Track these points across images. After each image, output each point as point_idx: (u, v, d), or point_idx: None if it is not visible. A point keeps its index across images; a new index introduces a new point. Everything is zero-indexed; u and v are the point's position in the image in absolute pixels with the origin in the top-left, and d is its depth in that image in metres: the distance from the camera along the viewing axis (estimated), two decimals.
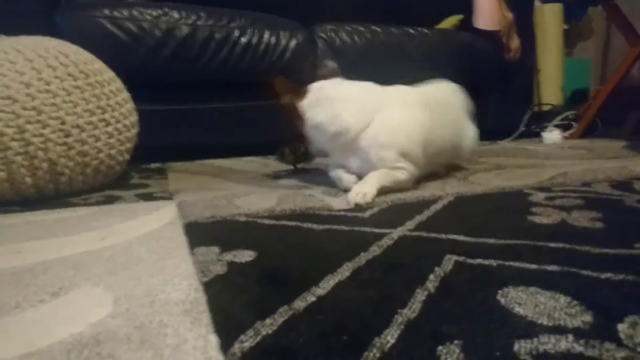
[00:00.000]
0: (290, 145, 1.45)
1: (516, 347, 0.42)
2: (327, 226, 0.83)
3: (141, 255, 0.71)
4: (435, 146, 1.19)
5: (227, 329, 0.46)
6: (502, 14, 2.20)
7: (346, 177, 1.15)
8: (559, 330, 0.45)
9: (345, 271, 0.61)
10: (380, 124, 1.11)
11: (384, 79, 1.97)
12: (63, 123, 1.08)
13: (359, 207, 0.97)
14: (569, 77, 2.87)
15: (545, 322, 0.46)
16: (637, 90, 2.59)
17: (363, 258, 0.65)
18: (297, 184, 1.25)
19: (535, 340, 0.43)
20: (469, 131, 1.36)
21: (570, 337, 0.43)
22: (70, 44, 1.23)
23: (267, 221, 0.88)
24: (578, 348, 0.42)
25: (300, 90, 1.19)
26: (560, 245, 0.69)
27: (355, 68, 1.91)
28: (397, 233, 0.77)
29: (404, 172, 1.12)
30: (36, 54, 1.11)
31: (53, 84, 1.09)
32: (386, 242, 0.73)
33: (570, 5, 2.95)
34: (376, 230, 0.79)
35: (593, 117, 2.27)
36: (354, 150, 1.13)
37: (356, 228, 0.81)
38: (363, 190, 1.02)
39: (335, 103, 1.13)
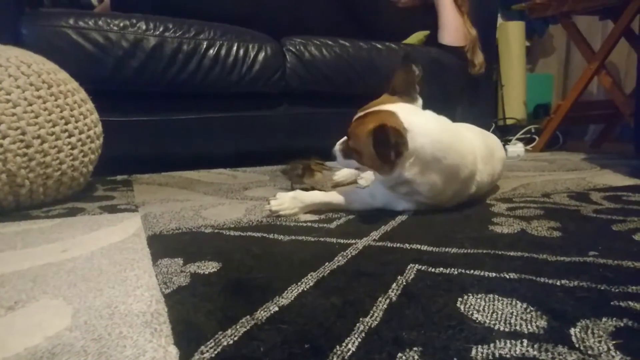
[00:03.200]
0: (301, 162, 1.28)
1: (473, 352, 0.43)
2: (293, 237, 0.83)
3: (103, 267, 0.70)
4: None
5: (187, 339, 0.46)
6: (467, 30, 2.25)
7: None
8: (515, 335, 0.46)
9: (309, 281, 0.61)
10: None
11: (354, 92, 2.00)
12: (23, 133, 1.06)
13: (325, 219, 0.98)
14: (532, 92, 2.96)
15: (502, 328, 0.48)
16: (596, 104, 2.69)
17: (327, 268, 0.66)
18: (266, 195, 1.25)
19: (492, 345, 0.44)
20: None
21: (525, 341, 0.45)
22: (33, 53, 1.21)
23: (233, 232, 0.87)
24: (532, 352, 0.43)
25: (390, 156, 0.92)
26: (520, 253, 0.71)
27: (324, 81, 1.95)
28: (362, 243, 0.78)
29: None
30: None
31: (14, 94, 1.06)
32: (351, 252, 0.73)
33: (532, 23, 3.06)
34: (342, 240, 0.80)
35: (554, 130, 2.34)
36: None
37: (322, 239, 0.82)
38: (283, 206, 1.00)
39: (441, 173, 0.96)
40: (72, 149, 1.17)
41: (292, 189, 1.18)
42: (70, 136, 1.16)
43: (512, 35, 2.87)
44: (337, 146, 1.07)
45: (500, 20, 2.86)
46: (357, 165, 1.03)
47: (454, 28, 2.23)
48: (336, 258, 0.70)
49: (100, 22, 1.60)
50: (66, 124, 1.15)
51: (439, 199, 1.00)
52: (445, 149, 0.95)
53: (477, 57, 2.26)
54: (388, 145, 0.88)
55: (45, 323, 0.51)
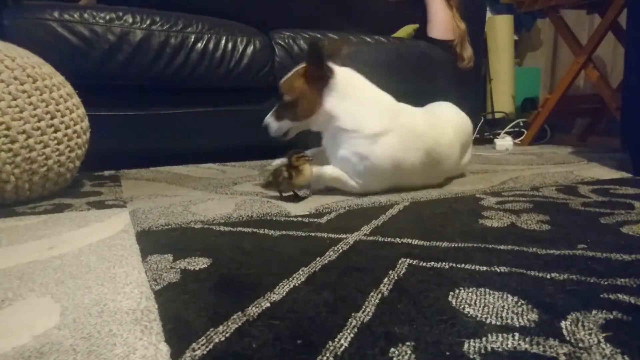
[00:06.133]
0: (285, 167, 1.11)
1: (465, 346, 0.43)
2: (283, 232, 0.83)
3: (91, 264, 0.69)
4: (432, 165, 1.19)
5: (178, 337, 0.46)
6: (456, 24, 2.25)
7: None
8: (506, 328, 0.46)
9: (300, 276, 0.61)
10: (384, 144, 1.11)
11: None
12: (8, 128, 1.04)
13: (316, 213, 0.97)
14: (519, 86, 2.97)
15: (493, 322, 0.48)
16: (583, 98, 2.71)
17: (319, 263, 0.66)
18: (255, 190, 1.24)
19: (483, 339, 0.44)
20: (468, 150, 1.39)
21: (517, 335, 0.45)
22: (17, 47, 1.19)
23: (223, 228, 0.87)
24: (524, 345, 0.43)
25: (322, 71, 1.14)
26: (509, 247, 0.72)
27: None
28: (353, 238, 0.78)
29: (355, 187, 1.15)
30: None
31: None
32: (342, 246, 0.73)
33: (520, 17, 3.07)
34: (332, 235, 0.79)
35: (542, 124, 2.36)
36: (341, 143, 1.15)
37: (312, 233, 0.81)
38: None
39: (359, 101, 1.16)
40: (58, 144, 1.15)
41: (281, 197, 1.13)
42: (56, 131, 1.14)
43: (500, 29, 2.88)
44: (268, 117, 1.25)
45: (488, 14, 2.86)
46: (290, 124, 1.22)
47: (442, 21, 2.23)
48: (327, 253, 0.70)
49: (85, 15, 1.58)
50: (52, 118, 1.13)
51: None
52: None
53: (466, 51, 2.26)
54: (321, 59, 1.12)
55: (33, 321, 0.51)
